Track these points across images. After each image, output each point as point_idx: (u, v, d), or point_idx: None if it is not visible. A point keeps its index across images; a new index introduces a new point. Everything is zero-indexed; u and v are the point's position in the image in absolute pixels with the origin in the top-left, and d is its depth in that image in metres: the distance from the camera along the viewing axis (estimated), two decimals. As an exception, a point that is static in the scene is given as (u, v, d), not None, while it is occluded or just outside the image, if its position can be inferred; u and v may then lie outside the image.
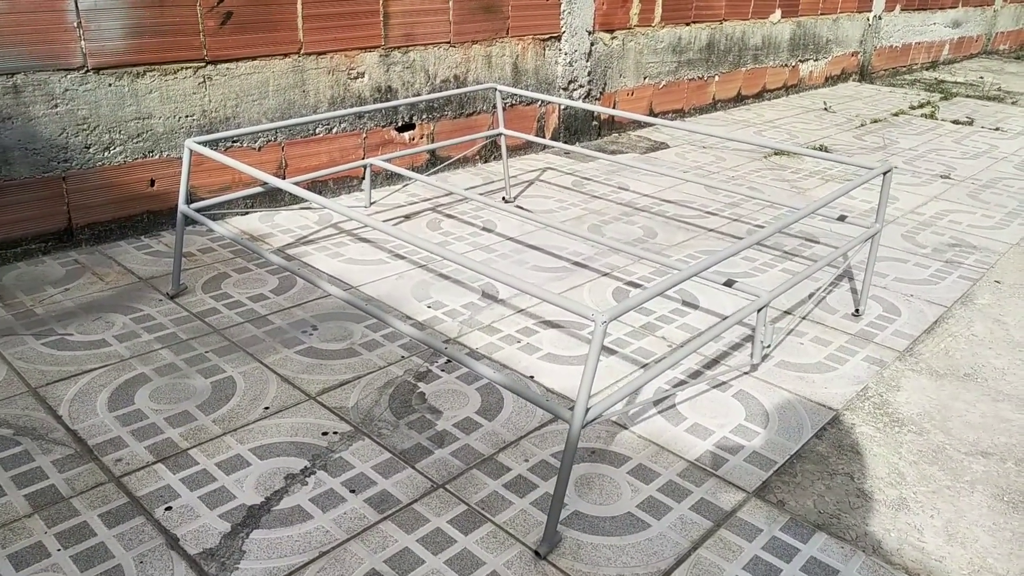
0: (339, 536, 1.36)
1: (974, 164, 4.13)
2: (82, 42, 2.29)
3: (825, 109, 5.37)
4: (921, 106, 5.66)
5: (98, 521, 1.37)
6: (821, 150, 4.18)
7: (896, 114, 5.36)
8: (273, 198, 2.88)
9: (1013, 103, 6.06)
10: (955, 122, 5.18)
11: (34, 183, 2.31)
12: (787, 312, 2.31)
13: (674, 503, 1.49)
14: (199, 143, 2.05)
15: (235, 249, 2.54)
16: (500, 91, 2.92)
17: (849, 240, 2.81)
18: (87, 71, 2.32)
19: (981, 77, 7.44)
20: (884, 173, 2.05)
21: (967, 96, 6.26)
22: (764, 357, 2.00)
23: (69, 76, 2.29)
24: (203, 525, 1.37)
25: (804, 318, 2.28)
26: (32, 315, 2.06)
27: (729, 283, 1.89)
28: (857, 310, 2.31)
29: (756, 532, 1.43)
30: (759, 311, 1.81)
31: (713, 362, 2.01)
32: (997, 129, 5.04)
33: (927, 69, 7.81)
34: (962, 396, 1.93)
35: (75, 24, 2.26)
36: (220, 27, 2.56)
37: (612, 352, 2.03)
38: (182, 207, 2.09)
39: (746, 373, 1.96)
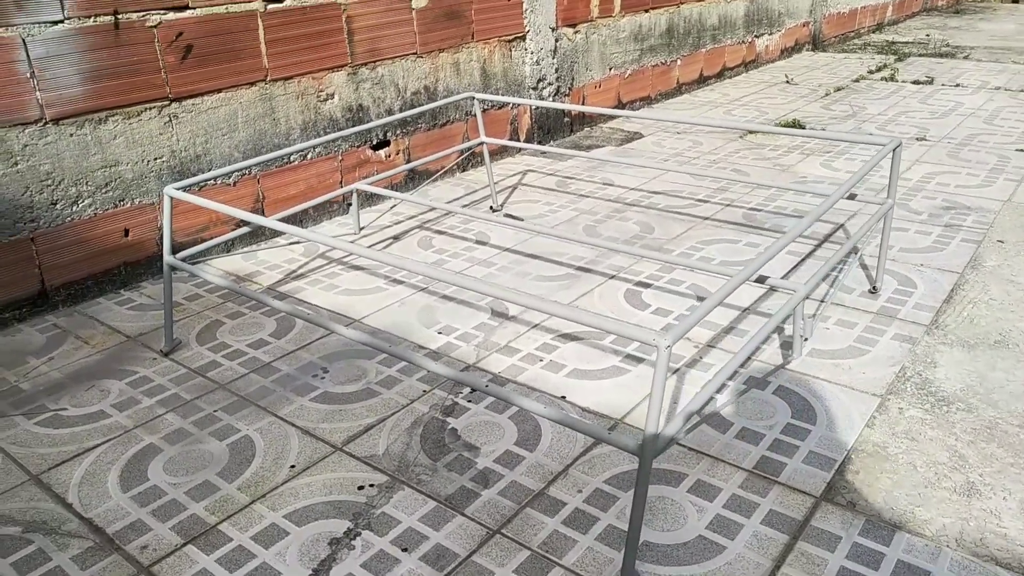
0: (401, 603, 1.26)
1: (945, 123, 4.15)
2: (37, 93, 2.13)
3: (787, 82, 5.37)
4: (879, 69, 5.69)
5: (135, 621, 1.25)
6: (795, 125, 4.16)
7: (857, 80, 5.38)
8: (254, 233, 2.75)
9: (965, 57, 6.14)
10: (916, 82, 5.21)
11: (1, 248, 2.15)
12: (805, 297, 2.25)
13: (743, 519, 1.42)
14: (179, 189, 1.92)
15: (223, 293, 2.40)
16: (478, 100, 2.82)
17: (853, 215, 2.78)
18: (46, 123, 2.16)
19: (927, 35, 7.54)
20: (894, 149, 2.00)
21: (920, 55, 6.32)
22: (801, 351, 1.94)
23: (27, 130, 2.13)
24: (251, 610, 1.26)
25: (823, 301, 2.22)
26: (18, 391, 1.91)
27: (761, 280, 1.82)
28: (874, 287, 2.26)
29: (835, 540, 1.36)
30: (797, 305, 1.74)
31: (747, 360, 1.94)
32: (957, 85, 5.09)
33: (874, 32, 7.89)
34: (999, 365, 1.89)
35: (28, 74, 2.11)
36: (181, 62, 2.42)
37: (639, 360, 1.95)
38: (168, 259, 1.95)
39: (780, 367, 1.89)
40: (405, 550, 1.37)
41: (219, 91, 2.54)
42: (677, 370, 1.91)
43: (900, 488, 1.49)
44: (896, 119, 4.25)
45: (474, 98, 2.81)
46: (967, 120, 4.19)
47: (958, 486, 1.49)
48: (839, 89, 5.08)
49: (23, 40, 2.08)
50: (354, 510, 1.47)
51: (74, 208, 2.27)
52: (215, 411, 1.80)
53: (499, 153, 3.73)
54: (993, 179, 3.23)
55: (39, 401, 1.86)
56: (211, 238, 2.62)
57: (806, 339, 1.89)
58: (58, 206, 2.24)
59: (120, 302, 2.37)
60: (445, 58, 3.30)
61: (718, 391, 1.80)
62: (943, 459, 1.57)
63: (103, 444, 1.70)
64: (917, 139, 3.85)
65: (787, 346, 1.98)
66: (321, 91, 2.85)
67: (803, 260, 2.51)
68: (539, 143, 3.97)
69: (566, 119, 4.11)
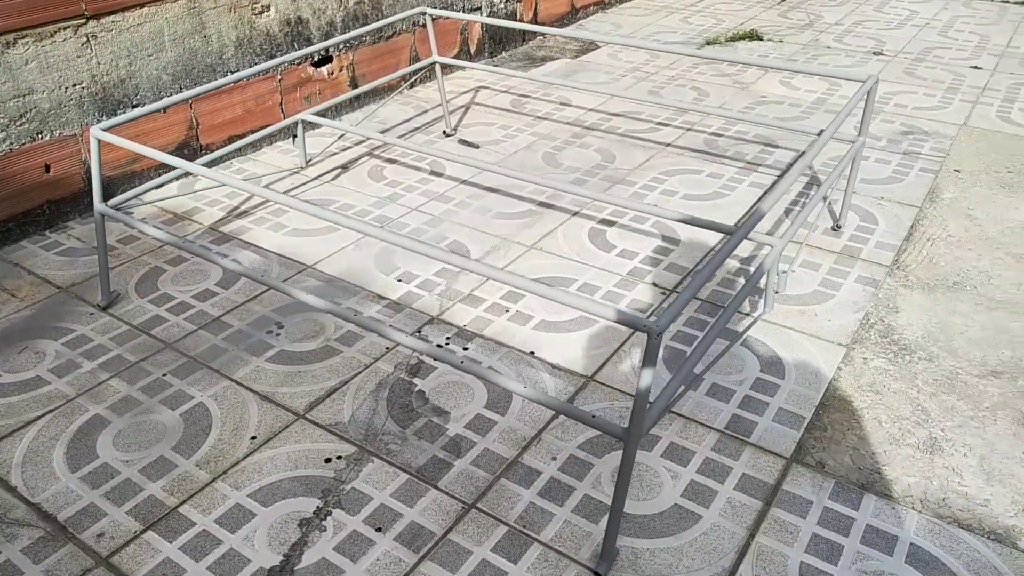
0: (379, 589, 1.24)
1: (901, 35, 4.08)
2: (-71, 15, 1.87)
3: (743, -16, 5.17)
4: (835, -28, 5.52)
5: (98, 620, 1.19)
6: (752, 36, 4.04)
7: (813, -17, 5.22)
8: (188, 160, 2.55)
9: (919, -41, 6.00)
10: (872, -13, 5.09)
11: (-96, 192, 1.94)
12: (769, 234, 2.22)
13: (718, 485, 1.42)
14: (107, 130, 1.73)
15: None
16: (429, 15, 2.61)
17: (812, 142, 2.73)
18: (-58, 49, 1.91)
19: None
20: (869, 89, 1.93)
21: (875, -45, 6.15)
22: (772, 304, 1.92)
23: (-80, 58, 1.88)
24: (223, 604, 1.21)
25: (791, 241, 2.19)
26: (-58, 355, 1.76)
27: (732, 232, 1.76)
28: (837, 225, 2.25)
29: (807, 505, 1.38)
30: (774, 261, 1.71)
31: (712, 307, 1.92)
32: (913, -9, 4.99)
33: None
34: (958, 309, 1.92)
35: (-86, -8, 1.84)
36: (95, -27, 2.15)
37: (606, 309, 1.91)
38: (99, 207, 1.79)
39: (747, 314, 1.88)
40: (379, 529, 1.34)
41: (142, 6, 2.28)
42: (649, 315, 1.87)
43: (866, 445, 1.52)
44: (853, 29, 4.16)
45: (425, 13, 2.61)
46: (922, 32, 4.13)
47: (921, 442, 1.53)
48: (796, -6, 4.93)
49: (-95, -49, 1.80)
50: (323, 486, 1.42)
51: (-15, 144, 2.05)
52: (164, 375, 1.70)
53: (450, 66, 3.52)
54: (949, 100, 3.21)
55: (-33, 366, 1.72)
56: (142, 170, 2.42)
57: (778, 292, 1.87)
58: (-34, 142, 2.01)
59: (46, 246, 2.19)
60: (390, -37, 3.04)
61: (697, 364, 1.78)
62: (906, 413, 1.60)
63: (44, 416, 1.59)
64: (874, 53, 3.78)
65: (755, 292, 1.96)
66: (256, 3, 2.59)
67: (766, 193, 2.47)
68: (490, 54, 3.77)
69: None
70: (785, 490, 1.41)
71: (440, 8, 3.24)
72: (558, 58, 3.78)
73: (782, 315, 1.88)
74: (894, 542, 1.31)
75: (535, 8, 3.97)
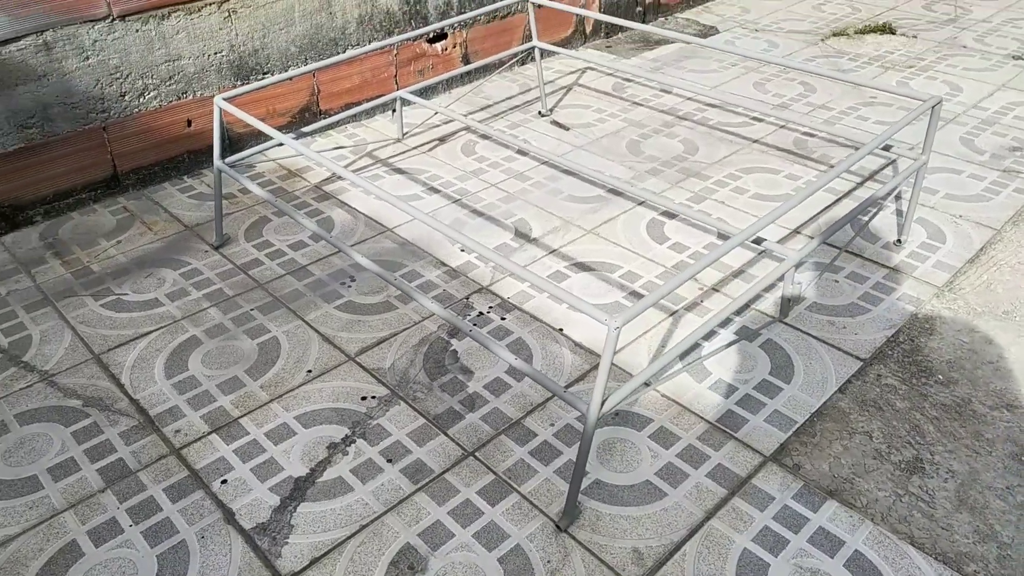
0: (377, 509, 1.50)
1: (1056, 38, 3.79)
2: (103, -8, 2.26)
3: (896, -29, 4.91)
4: (1006, -40, 5.11)
5: (163, 496, 1.52)
6: (885, 29, 3.89)
7: (976, -28, 4.87)
8: (306, 127, 2.88)
9: (1115, -52, 5.41)
10: (1043, -20, 4.69)
11: (76, 136, 2.37)
12: (826, 243, 2.26)
13: (691, 469, 1.57)
14: (227, 99, 2.05)
15: (274, 188, 2.59)
16: (532, 3, 2.78)
17: (894, 160, 2.69)
18: (113, 19, 2.31)
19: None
20: (932, 107, 1.93)
21: (1062, -59, 5.61)
22: (788, 313, 1.99)
23: (96, 27, 2.28)
24: (255, 499, 1.52)
25: (841, 249, 2.23)
26: (89, 272, 2.18)
27: (758, 241, 1.86)
28: (899, 240, 2.25)
29: (768, 500, 1.50)
30: (786, 272, 1.79)
31: (744, 306, 2.02)
32: (1090, -13, 4.55)
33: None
34: (997, 338, 1.91)
35: (93, -28, 2.23)
36: (238, -43, 2.48)
37: (640, 298, 2.05)
38: (217, 164, 2.13)
39: (775, 319, 1.97)
40: (390, 461, 1.59)
41: (276, -14, 2.60)
42: (675, 312, 2.01)
43: (848, 456, 1.60)
44: (999, 28, 3.91)
45: (529, 1, 2.78)
46: (1083, 36, 3.81)
47: (905, 461, 1.59)
48: (951, -16, 4.64)
49: (89, -62, 2.19)
50: (354, 419, 1.69)
51: (141, 100, 2.45)
52: (251, 309, 2.03)
53: (562, 44, 3.67)
54: (1081, 116, 3.01)
55: (105, 284, 2.13)
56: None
57: (793, 304, 1.94)
58: (126, 98, 2.42)
59: (182, 189, 2.59)
60: (510, -53, 3.21)
61: (704, 337, 1.90)
62: (902, 432, 1.66)
63: (154, 331, 1.96)
64: (1014, 57, 3.56)
65: (791, 295, 2.04)
66: (378, -16, 2.86)
67: (838, 200, 2.49)
68: (607, 34, 3.87)
69: (638, 8, 3.96)
70: (753, 484, 1.54)
71: (546, 3, 3.38)
72: (673, 43, 3.82)
73: (810, 323, 1.95)
74: (840, 546, 1.42)
75: (658, -10, 4.01)
